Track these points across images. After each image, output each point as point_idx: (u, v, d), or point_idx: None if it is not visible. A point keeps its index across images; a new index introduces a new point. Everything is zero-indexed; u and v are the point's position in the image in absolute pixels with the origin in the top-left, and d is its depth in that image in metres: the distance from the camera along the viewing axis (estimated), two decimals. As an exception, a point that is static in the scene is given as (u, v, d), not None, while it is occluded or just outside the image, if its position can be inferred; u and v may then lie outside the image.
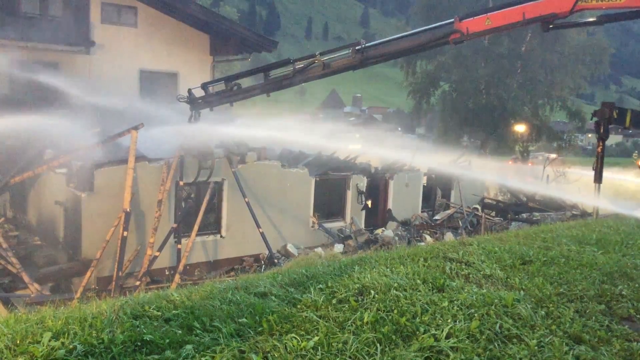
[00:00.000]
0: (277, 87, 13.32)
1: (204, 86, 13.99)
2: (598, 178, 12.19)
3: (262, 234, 14.12)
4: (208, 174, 13.90)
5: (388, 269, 5.12)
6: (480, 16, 11.94)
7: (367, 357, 3.33)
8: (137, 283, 12.11)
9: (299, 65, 12.78)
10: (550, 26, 11.59)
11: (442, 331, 3.68)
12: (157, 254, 12.55)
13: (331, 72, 12.99)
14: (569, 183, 25.65)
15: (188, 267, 13.43)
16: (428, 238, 16.82)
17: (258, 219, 14.29)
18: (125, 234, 11.81)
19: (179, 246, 13.28)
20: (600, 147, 12.29)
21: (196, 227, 13.24)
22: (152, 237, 12.56)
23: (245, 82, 14.19)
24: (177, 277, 12.42)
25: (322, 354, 3.31)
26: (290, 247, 15.02)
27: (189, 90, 14.01)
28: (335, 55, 12.90)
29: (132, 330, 3.39)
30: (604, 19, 12.21)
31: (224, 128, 14.43)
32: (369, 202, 17.84)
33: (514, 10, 11.65)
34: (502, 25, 11.88)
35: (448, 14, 33.17)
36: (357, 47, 12.57)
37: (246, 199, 14.11)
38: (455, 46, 14.18)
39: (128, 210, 11.91)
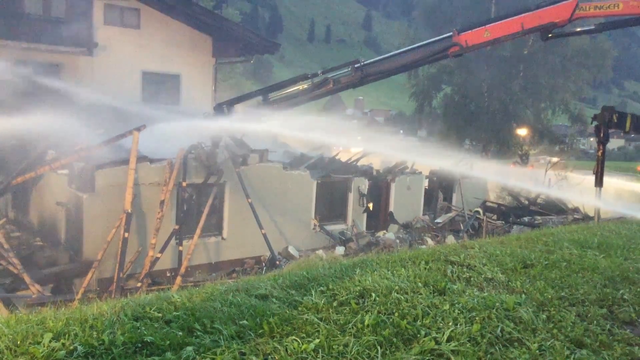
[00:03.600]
0: (299, 102, 13.53)
1: (219, 107, 14.22)
2: (599, 182, 12.18)
3: (264, 235, 14.13)
4: (217, 176, 13.90)
5: (389, 272, 5.11)
6: (479, 28, 11.94)
7: (367, 360, 3.33)
8: (138, 285, 12.11)
9: (317, 80, 12.96)
10: (550, 35, 11.60)
11: (443, 334, 3.68)
12: (158, 255, 12.55)
13: (335, 90, 13.17)
14: (571, 187, 25.60)
15: (189, 269, 13.43)
16: (429, 241, 16.82)
17: (260, 221, 14.29)
18: (126, 235, 11.81)
19: (181, 248, 13.28)
20: (601, 151, 12.28)
21: (199, 230, 13.25)
22: (154, 238, 12.56)
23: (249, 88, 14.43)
24: (178, 279, 12.42)
25: (322, 356, 3.31)
26: (291, 249, 15.02)
27: (216, 107, 14.18)
28: (337, 74, 13.04)
29: (132, 332, 3.39)
30: (602, 27, 12.22)
31: (234, 124, 14.50)
32: (371, 205, 17.83)
33: (513, 21, 11.64)
34: (501, 37, 11.90)
35: (450, 18, 33.33)
36: (356, 65, 12.63)
37: (249, 200, 14.12)
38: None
39: (129, 211, 11.91)
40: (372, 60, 13.16)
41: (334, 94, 13.75)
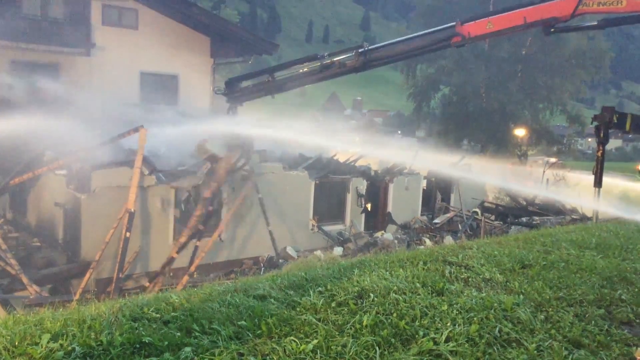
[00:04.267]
0: (310, 80, 13.68)
1: (231, 82, 14.30)
2: (598, 182, 12.20)
3: (270, 233, 14.11)
4: (246, 161, 13.87)
5: (387, 272, 5.11)
6: (482, 20, 12.02)
7: (366, 361, 3.33)
8: (148, 285, 12.06)
9: (326, 62, 13.09)
10: (552, 30, 11.65)
11: (442, 335, 3.68)
12: (175, 255, 12.43)
13: (339, 73, 13.25)
14: (569, 187, 25.64)
15: (186, 270, 13.41)
16: (428, 241, 16.81)
17: (258, 221, 14.29)
18: (127, 234, 11.78)
19: (198, 243, 13.11)
20: (600, 151, 12.29)
21: (223, 223, 13.11)
22: (184, 236, 12.41)
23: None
24: (185, 278, 12.35)
25: (321, 357, 3.31)
26: (289, 250, 15.01)
27: (226, 83, 14.23)
28: (341, 57, 13.14)
29: (130, 332, 3.38)
30: (605, 23, 12.25)
31: (238, 128, 14.53)
32: (369, 205, 17.83)
33: (515, 14, 11.71)
34: (503, 29, 11.96)
35: (448, 19, 33.32)
36: (360, 50, 12.72)
37: (259, 195, 14.11)
38: (456, 49, 14.46)
39: (132, 210, 11.85)
40: (375, 45, 13.30)
41: (337, 77, 13.90)
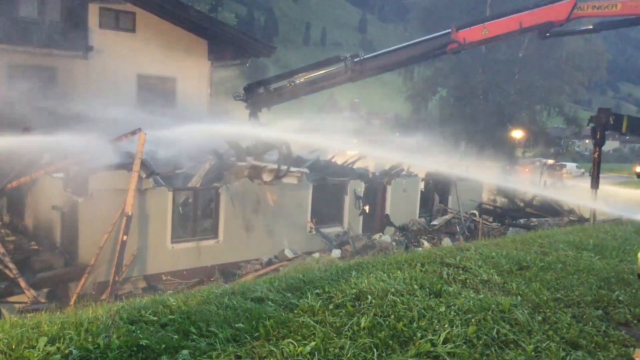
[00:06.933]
0: (328, 85, 13.77)
1: (250, 87, 14.33)
2: (594, 184, 12.23)
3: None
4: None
5: (385, 274, 5.12)
6: (477, 26, 12.08)
7: (363, 363, 3.33)
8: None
9: (349, 62, 13.20)
10: (547, 34, 11.73)
11: (439, 336, 3.68)
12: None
13: (340, 82, 13.30)
14: (566, 188, 25.68)
15: (185, 272, 13.40)
16: (425, 243, 16.81)
17: (254, 224, 14.29)
18: (125, 238, 11.76)
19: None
20: (597, 152, 12.33)
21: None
22: None
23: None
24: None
25: (318, 359, 3.30)
26: (287, 252, 15.00)
27: (245, 88, 14.23)
28: (340, 66, 13.19)
29: (128, 335, 3.38)
30: (600, 26, 12.33)
31: (234, 128, 14.51)
32: (367, 208, 17.82)
33: (511, 19, 11.77)
34: (499, 35, 12.03)
35: (446, 21, 33.44)
36: (355, 59, 12.74)
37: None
38: (453, 56, 14.51)
39: (130, 213, 11.84)
40: (371, 54, 13.31)
41: (341, 84, 13.94)
